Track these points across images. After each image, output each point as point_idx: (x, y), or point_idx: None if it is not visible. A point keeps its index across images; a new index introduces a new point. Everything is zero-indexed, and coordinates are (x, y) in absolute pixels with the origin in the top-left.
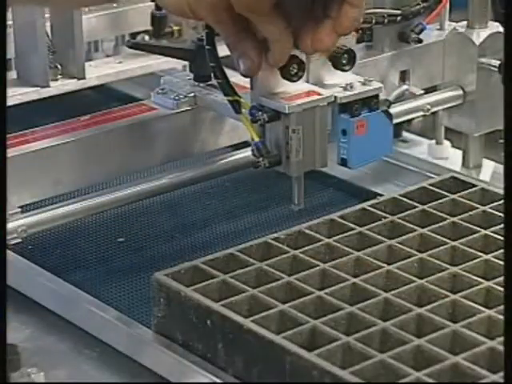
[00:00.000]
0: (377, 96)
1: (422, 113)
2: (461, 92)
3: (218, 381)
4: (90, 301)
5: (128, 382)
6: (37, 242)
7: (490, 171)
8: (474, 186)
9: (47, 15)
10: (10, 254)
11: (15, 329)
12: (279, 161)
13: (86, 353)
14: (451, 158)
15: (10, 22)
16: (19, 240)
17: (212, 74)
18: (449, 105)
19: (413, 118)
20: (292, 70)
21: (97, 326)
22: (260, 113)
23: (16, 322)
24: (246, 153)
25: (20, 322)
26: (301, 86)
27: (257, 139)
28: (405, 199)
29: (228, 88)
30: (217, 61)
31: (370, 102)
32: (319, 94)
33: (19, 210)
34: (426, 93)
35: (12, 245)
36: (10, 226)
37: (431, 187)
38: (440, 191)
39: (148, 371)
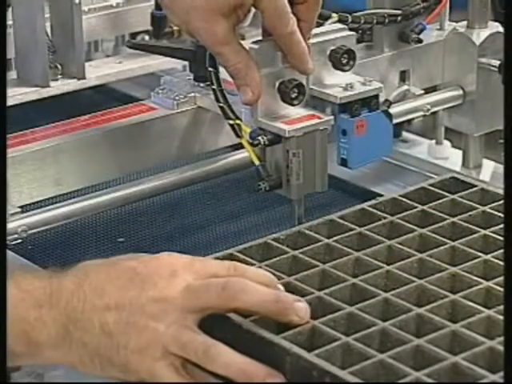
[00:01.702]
0: (377, 96)
1: (421, 113)
2: (461, 92)
3: (220, 381)
4: None
5: (128, 382)
6: (37, 242)
7: (489, 171)
8: (473, 186)
9: (47, 15)
10: (9, 254)
11: None
12: (279, 184)
13: None
14: (451, 158)
15: (9, 22)
16: (19, 240)
17: (213, 97)
18: (449, 105)
19: (413, 118)
20: (292, 93)
21: None
22: (260, 136)
23: None
24: (246, 153)
25: None
26: (300, 110)
27: (257, 162)
28: (404, 199)
29: (229, 112)
30: (219, 84)
31: (369, 102)
32: (319, 118)
33: (19, 209)
34: (426, 93)
35: (12, 245)
36: (10, 226)
37: (431, 187)
38: (440, 191)
39: None
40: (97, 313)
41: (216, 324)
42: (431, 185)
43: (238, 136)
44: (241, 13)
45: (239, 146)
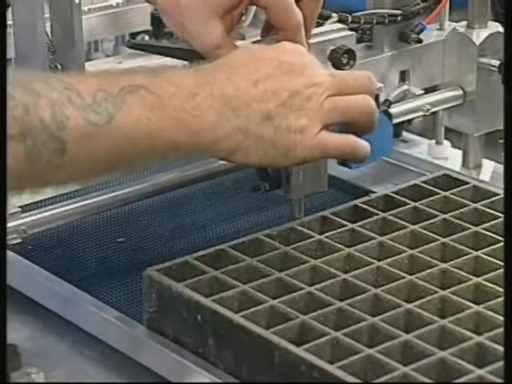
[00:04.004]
0: (377, 96)
1: (421, 113)
2: (461, 92)
3: (219, 381)
4: (90, 301)
5: (128, 382)
6: (37, 242)
7: (489, 171)
8: (465, 183)
9: (47, 15)
10: (9, 254)
11: (15, 329)
12: (279, 184)
13: (86, 353)
14: (451, 158)
15: (9, 22)
16: (19, 240)
17: None
18: (449, 105)
19: (413, 118)
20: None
21: (97, 326)
22: None
23: (16, 322)
24: None
25: (20, 321)
26: None
27: None
28: (397, 196)
29: None
30: None
31: None
32: None
33: (19, 209)
34: (426, 93)
35: (12, 245)
36: (9, 225)
37: (423, 184)
38: (432, 188)
39: (148, 371)
40: (255, 100)
41: (207, 319)
42: (423, 182)
43: None
44: (236, 14)
45: None
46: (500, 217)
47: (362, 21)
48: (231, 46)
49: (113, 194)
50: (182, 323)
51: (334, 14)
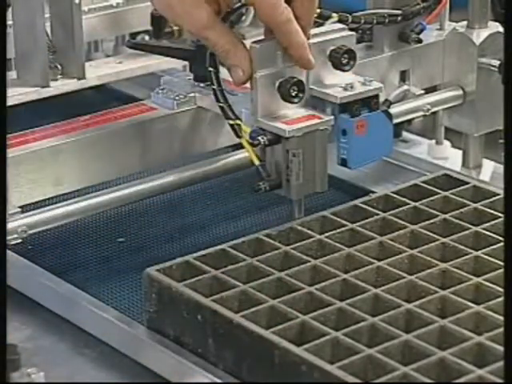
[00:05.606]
0: (377, 96)
1: (422, 113)
2: (461, 92)
3: (219, 381)
4: (90, 301)
5: (128, 382)
6: (37, 242)
7: (489, 171)
8: (466, 183)
9: (47, 15)
10: (9, 254)
11: (15, 329)
12: (279, 184)
13: (86, 353)
14: (451, 158)
15: (9, 22)
16: (19, 240)
17: (213, 97)
18: (449, 105)
19: (413, 118)
20: (292, 91)
21: (97, 326)
22: (260, 136)
23: (16, 322)
24: (246, 153)
25: (20, 322)
26: (301, 110)
27: (257, 162)
28: (397, 196)
29: (229, 112)
30: (219, 84)
31: (370, 102)
32: (319, 118)
33: (19, 209)
34: (426, 93)
35: (12, 245)
36: (10, 226)
37: (423, 184)
38: (432, 188)
39: (148, 371)
40: None
41: (207, 319)
42: (423, 182)
43: (237, 136)
44: (223, 2)
45: (239, 146)
46: (500, 217)
47: (362, 21)
48: (221, 26)
49: (113, 194)
50: (182, 323)
51: (334, 14)
